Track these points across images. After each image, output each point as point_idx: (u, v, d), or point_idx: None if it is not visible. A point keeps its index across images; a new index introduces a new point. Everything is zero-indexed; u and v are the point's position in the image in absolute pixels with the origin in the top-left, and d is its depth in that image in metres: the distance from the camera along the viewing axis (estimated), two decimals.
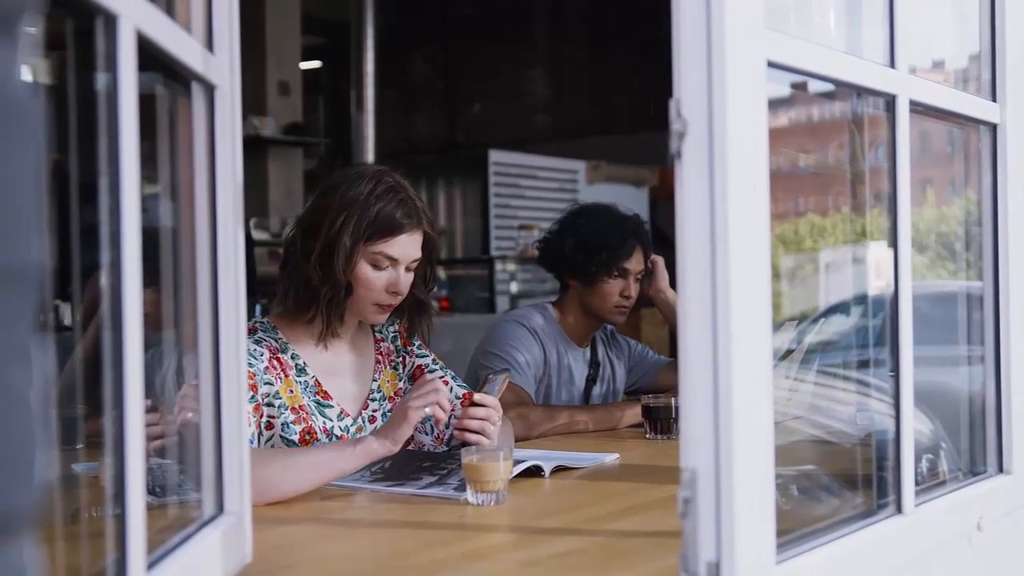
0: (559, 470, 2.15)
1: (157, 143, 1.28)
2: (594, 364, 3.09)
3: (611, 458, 2.32)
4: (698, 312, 1.15)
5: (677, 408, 2.60)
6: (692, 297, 1.16)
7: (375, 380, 2.32)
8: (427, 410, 1.96)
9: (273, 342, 2.18)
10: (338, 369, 2.27)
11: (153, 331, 1.18)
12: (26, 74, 0.50)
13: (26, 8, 0.50)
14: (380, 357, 2.36)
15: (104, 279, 0.99)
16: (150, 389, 1.04)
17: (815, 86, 1.54)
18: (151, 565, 1.06)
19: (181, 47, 1.18)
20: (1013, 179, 1.77)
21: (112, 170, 0.98)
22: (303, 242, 2.18)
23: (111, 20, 0.97)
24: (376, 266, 2.17)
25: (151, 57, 1.09)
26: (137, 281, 1.00)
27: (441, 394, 1.98)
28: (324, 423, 2.18)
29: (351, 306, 2.22)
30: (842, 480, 1.69)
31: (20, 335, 0.49)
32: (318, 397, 2.20)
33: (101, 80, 0.99)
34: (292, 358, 2.20)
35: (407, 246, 2.18)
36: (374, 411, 2.30)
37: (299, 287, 2.18)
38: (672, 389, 2.92)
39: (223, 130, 1.34)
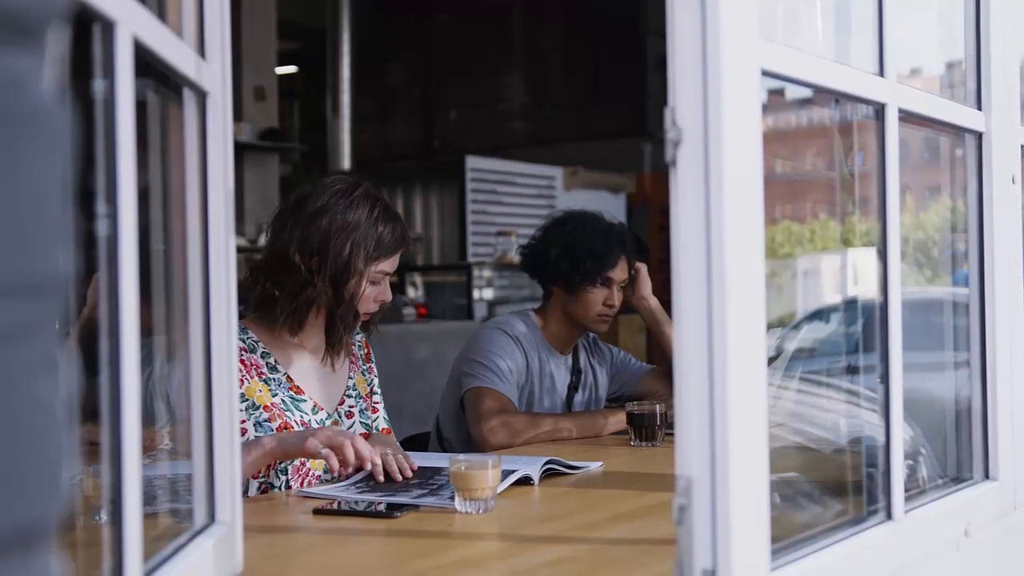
0: (549, 475, 2.16)
1: (148, 149, 1.27)
2: (576, 371, 3.09)
3: (596, 466, 2.32)
4: (693, 319, 1.15)
5: (662, 415, 2.61)
6: (687, 304, 1.16)
7: (351, 378, 2.42)
8: (323, 452, 1.98)
9: (240, 343, 2.20)
10: (313, 368, 2.33)
11: (141, 336, 1.17)
12: (51, 84, 0.50)
13: (52, 18, 0.49)
14: (353, 358, 2.45)
15: (100, 285, 0.98)
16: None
17: (791, 93, 1.55)
18: (146, 575, 1.05)
19: (175, 53, 1.18)
20: (998, 186, 1.78)
21: (109, 176, 0.97)
22: (303, 261, 2.22)
23: (109, 26, 0.96)
24: (374, 283, 2.29)
25: (144, 63, 1.08)
26: (134, 288, 0.99)
27: (347, 450, 2.00)
28: (300, 416, 2.25)
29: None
30: (828, 487, 1.69)
31: (46, 345, 0.49)
32: (291, 392, 2.26)
33: (98, 86, 0.98)
34: (262, 356, 2.26)
35: (397, 260, 2.34)
36: (351, 407, 2.39)
37: (304, 308, 2.25)
38: (654, 396, 2.93)
39: (215, 136, 1.33)
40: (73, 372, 0.57)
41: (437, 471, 2.15)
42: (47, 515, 0.50)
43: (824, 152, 1.90)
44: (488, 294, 7.30)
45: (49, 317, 0.49)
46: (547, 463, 2.17)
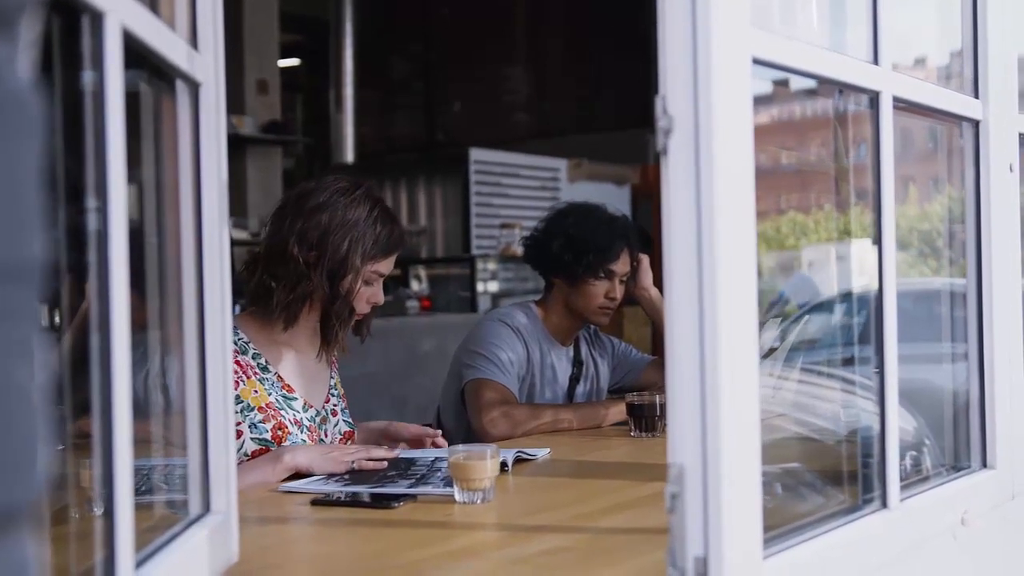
0: (519, 461, 2.21)
1: (140, 141, 1.27)
2: (577, 363, 3.09)
3: (543, 453, 2.35)
4: (685, 308, 1.15)
5: (662, 406, 2.61)
6: (679, 293, 1.16)
7: (332, 378, 2.45)
8: (354, 465, 2.12)
9: (232, 345, 2.21)
10: (299, 366, 2.36)
11: (136, 332, 1.18)
12: (26, 71, 0.50)
13: (26, 5, 0.49)
14: (335, 358, 2.48)
15: (91, 280, 0.98)
16: (133, 390, 1.04)
17: (796, 84, 1.55)
18: (139, 564, 1.06)
19: (166, 44, 1.18)
20: (995, 175, 1.78)
21: (99, 169, 0.97)
22: (302, 254, 2.22)
23: (97, 17, 0.96)
24: (368, 283, 2.30)
25: (135, 54, 1.09)
26: (124, 282, 0.99)
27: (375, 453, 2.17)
28: (293, 415, 2.27)
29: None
30: (827, 476, 1.70)
31: (23, 330, 0.49)
32: (283, 391, 2.29)
33: (87, 77, 0.98)
34: (253, 357, 2.28)
35: (393, 262, 2.35)
36: (334, 405, 2.43)
37: (299, 301, 2.26)
38: (656, 387, 2.93)
39: (208, 128, 1.33)
40: (54, 359, 0.57)
41: (412, 462, 2.18)
42: (23, 498, 0.50)
43: (827, 143, 1.90)
44: (492, 287, 7.30)
45: (26, 302, 0.49)
46: (517, 453, 2.23)
